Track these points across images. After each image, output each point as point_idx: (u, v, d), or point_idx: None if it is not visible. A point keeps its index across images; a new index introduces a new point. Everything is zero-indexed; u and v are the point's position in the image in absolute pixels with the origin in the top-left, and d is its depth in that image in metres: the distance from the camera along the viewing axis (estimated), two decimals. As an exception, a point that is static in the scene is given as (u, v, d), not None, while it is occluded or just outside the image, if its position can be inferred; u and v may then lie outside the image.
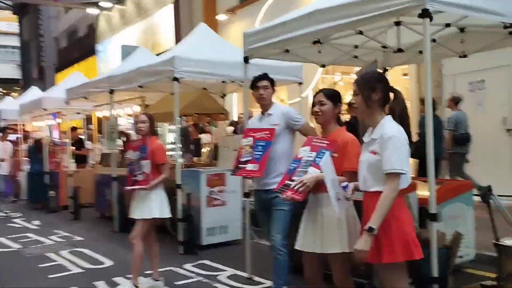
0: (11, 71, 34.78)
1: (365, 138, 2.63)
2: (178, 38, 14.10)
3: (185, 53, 6.24)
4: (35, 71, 29.26)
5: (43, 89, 15.60)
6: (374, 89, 2.57)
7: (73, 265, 5.59)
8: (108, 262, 5.67)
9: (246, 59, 4.63)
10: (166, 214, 4.46)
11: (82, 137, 12.53)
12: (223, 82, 7.79)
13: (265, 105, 3.96)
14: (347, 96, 7.70)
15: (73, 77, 11.35)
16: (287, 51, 4.78)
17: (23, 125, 13.79)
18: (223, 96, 8.72)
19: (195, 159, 7.91)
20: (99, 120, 10.76)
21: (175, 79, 5.89)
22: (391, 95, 2.61)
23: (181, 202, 5.87)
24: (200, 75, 6.27)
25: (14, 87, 33.75)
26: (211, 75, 6.39)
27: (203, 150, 9.14)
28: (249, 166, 3.74)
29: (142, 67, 6.67)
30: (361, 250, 2.40)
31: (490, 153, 7.59)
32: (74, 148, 10.65)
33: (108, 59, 19.71)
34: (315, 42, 4.31)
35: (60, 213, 9.60)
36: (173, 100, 6.07)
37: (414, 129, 6.06)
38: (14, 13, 31.85)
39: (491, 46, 4.80)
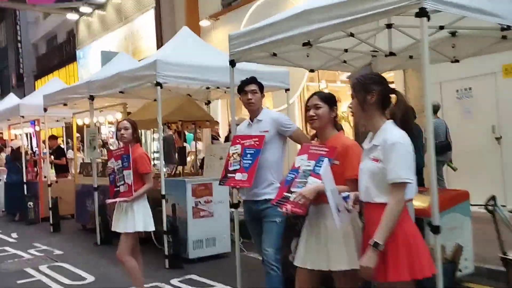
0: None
1: (365, 145, 2.45)
2: (159, 45, 13.86)
3: (168, 57, 6.04)
4: (13, 78, 28.62)
5: (22, 97, 15.17)
6: (370, 91, 2.41)
7: (53, 281, 5.30)
8: (89, 278, 5.40)
9: (232, 63, 4.43)
10: (151, 227, 4.22)
11: (62, 146, 12.18)
12: (207, 88, 7.60)
13: (254, 111, 3.75)
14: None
15: (52, 83, 11.05)
16: (274, 54, 4.62)
17: (1, 133, 13.36)
18: (208, 103, 8.52)
19: (179, 168, 7.67)
20: (80, 128, 10.41)
21: (158, 84, 5.68)
22: (393, 97, 2.44)
23: (165, 213, 5.63)
24: (184, 79, 6.08)
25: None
26: (195, 80, 6.20)
27: (188, 158, 8.91)
28: (238, 176, 3.54)
29: (123, 72, 6.44)
30: (367, 267, 2.21)
31: (479, 162, 7.50)
32: (53, 157, 10.33)
33: (89, 65, 19.34)
34: (304, 44, 4.14)
35: (39, 225, 9.32)
36: (156, 107, 5.85)
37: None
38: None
39: (483, 51, 4.72)
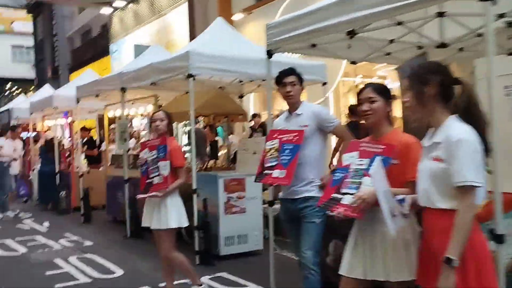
0: (27, 71, 34.85)
1: (425, 142, 2.18)
2: (192, 38, 13.76)
3: (201, 48, 5.87)
4: (49, 70, 29.22)
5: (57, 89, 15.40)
6: (427, 83, 2.13)
7: (81, 274, 5.24)
8: (118, 271, 5.31)
9: (269, 53, 4.21)
10: (184, 223, 4.06)
11: (94, 137, 12.27)
12: (241, 81, 7.41)
13: (293, 104, 3.52)
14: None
15: (85, 75, 11.09)
16: (313, 45, 4.36)
17: (34, 124, 13.58)
18: (241, 96, 8.34)
19: (211, 162, 7.53)
20: (112, 120, 10.42)
21: (190, 75, 5.53)
22: (458, 88, 2.15)
23: (197, 208, 5.48)
24: (217, 71, 5.92)
25: (29, 87, 33.79)
26: (228, 72, 6.02)
27: (220, 152, 8.75)
28: (276, 172, 3.33)
29: (155, 63, 6.31)
30: None
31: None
32: (85, 147, 10.39)
33: (122, 59, 19.48)
34: (348, 33, 3.87)
35: (70, 214, 9.38)
36: (188, 99, 5.69)
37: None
38: (28, 12, 31.90)
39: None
